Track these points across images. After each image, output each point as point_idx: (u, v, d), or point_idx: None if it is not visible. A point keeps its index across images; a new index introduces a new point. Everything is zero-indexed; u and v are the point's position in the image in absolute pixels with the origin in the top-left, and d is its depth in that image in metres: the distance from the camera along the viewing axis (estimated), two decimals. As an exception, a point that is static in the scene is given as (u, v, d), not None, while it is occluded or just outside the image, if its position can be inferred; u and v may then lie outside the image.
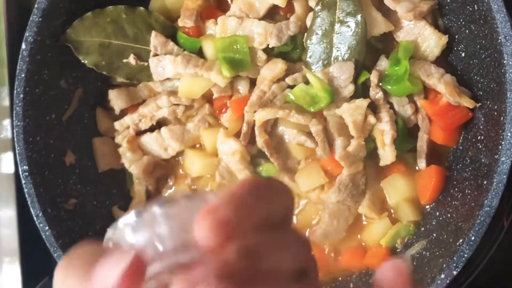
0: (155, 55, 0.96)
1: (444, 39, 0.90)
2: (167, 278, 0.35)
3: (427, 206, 0.93)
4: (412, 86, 0.89)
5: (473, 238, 0.76)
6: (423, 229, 0.92)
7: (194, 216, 0.36)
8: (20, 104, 0.88)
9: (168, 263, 0.36)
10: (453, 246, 0.78)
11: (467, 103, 0.86)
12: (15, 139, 0.88)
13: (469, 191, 0.84)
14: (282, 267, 0.37)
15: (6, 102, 1.00)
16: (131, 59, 0.96)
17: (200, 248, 0.35)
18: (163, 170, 1.00)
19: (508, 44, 0.77)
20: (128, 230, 0.37)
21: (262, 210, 0.37)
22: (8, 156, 1.00)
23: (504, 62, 0.77)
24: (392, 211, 0.93)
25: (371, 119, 0.89)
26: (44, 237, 0.87)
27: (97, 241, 0.40)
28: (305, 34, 0.92)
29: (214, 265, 0.34)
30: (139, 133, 0.99)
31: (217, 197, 0.37)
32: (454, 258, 0.76)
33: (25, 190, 0.87)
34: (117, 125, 0.99)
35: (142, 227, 0.37)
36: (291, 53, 0.94)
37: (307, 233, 0.94)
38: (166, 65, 0.94)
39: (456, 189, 0.89)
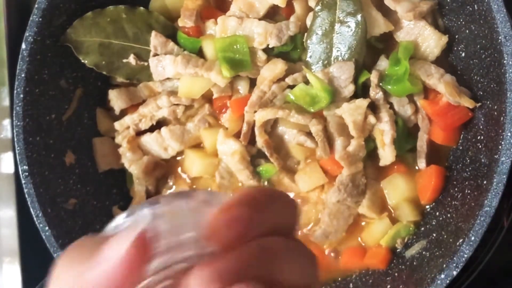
0: (155, 55, 0.96)
1: (444, 39, 0.90)
2: (173, 274, 0.35)
3: (427, 206, 0.93)
4: (412, 86, 0.89)
5: (473, 238, 0.76)
6: (423, 229, 0.92)
7: (195, 214, 0.36)
8: (20, 104, 0.88)
9: (173, 259, 0.35)
10: (453, 246, 0.78)
11: (467, 103, 0.86)
12: (15, 139, 0.88)
13: (469, 191, 0.84)
14: (293, 274, 0.36)
15: (6, 102, 1.01)
16: (131, 59, 0.96)
17: (209, 244, 0.35)
18: (163, 170, 1.00)
19: (508, 44, 0.77)
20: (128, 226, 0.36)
21: (272, 216, 0.37)
22: (8, 156, 1.00)
23: (504, 62, 0.77)
24: (392, 211, 0.93)
25: (371, 119, 0.89)
26: (44, 237, 0.87)
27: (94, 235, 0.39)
28: (305, 34, 0.92)
29: (231, 262, 0.34)
30: (139, 133, 0.99)
31: (216, 198, 0.37)
32: (454, 258, 0.76)
33: (25, 190, 0.87)
34: (117, 125, 0.99)
35: (141, 223, 0.36)
36: (291, 53, 0.94)
37: (306, 233, 0.94)
38: (166, 65, 0.94)
39: (456, 189, 0.89)
